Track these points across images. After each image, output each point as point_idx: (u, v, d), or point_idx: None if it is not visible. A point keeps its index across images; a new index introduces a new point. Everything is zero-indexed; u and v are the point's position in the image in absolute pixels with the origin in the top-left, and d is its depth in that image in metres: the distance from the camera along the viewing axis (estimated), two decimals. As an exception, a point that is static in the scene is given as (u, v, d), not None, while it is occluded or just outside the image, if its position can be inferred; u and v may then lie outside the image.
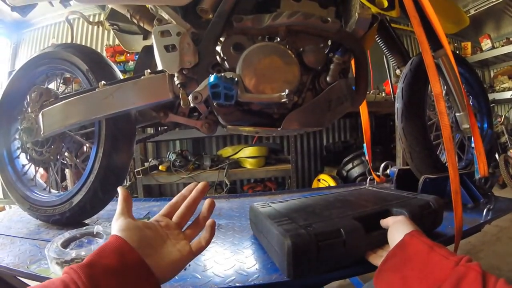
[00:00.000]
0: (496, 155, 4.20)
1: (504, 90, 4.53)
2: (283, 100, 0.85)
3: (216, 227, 0.70)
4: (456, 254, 0.57)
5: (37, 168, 1.39)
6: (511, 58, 4.78)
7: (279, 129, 0.93)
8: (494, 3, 4.18)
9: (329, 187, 1.78)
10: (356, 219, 0.78)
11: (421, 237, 0.64)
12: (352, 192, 1.10)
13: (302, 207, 0.91)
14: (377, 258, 0.71)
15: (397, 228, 0.70)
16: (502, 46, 4.58)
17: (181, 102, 0.90)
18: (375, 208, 0.86)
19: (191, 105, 0.88)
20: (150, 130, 2.79)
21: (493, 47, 4.70)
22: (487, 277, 0.51)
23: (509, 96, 4.43)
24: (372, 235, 0.76)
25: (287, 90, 0.83)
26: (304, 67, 0.95)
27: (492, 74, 5.20)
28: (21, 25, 4.04)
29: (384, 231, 0.75)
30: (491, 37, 4.76)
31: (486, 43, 4.75)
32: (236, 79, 0.85)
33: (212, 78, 0.82)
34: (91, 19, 1.26)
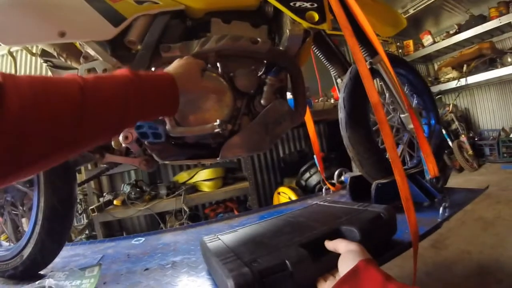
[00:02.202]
0: (450, 142, 4.42)
1: (449, 80, 4.76)
2: (216, 130, 0.82)
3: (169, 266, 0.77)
4: (409, 286, 0.55)
5: None
6: (452, 50, 5.03)
7: (218, 159, 0.90)
8: (431, 1, 4.41)
9: (287, 203, 1.77)
10: (303, 246, 0.76)
11: (376, 267, 0.62)
12: (303, 212, 1.08)
13: (251, 237, 0.89)
14: (327, 287, 0.68)
15: (349, 257, 0.67)
16: (443, 40, 4.82)
17: (112, 143, 0.85)
18: (324, 229, 0.85)
19: (123, 145, 0.84)
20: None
21: (434, 42, 4.93)
22: None
23: (454, 86, 4.67)
24: (321, 261, 0.74)
25: (218, 121, 0.81)
26: (237, 91, 0.92)
27: (436, 67, 5.46)
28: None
29: (334, 254, 0.73)
30: (432, 33, 5.00)
31: (427, 39, 4.98)
32: (160, 117, 0.81)
33: None
34: (34, 50, 1.20)
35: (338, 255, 0.72)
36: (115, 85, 0.59)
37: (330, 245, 0.76)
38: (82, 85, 0.54)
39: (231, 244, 0.84)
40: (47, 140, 0.50)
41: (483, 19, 4.29)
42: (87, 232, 2.82)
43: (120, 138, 0.84)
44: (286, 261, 0.69)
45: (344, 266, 0.66)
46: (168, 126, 0.82)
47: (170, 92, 0.68)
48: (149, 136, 0.79)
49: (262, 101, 0.95)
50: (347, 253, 0.69)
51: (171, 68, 0.76)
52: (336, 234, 0.82)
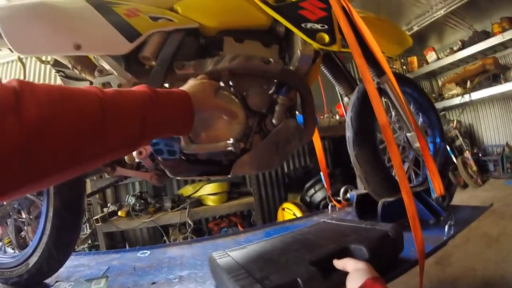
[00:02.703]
0: (454, 158, 4.41)
1: (453, 96, 4.77)
2: (229, 148, 0.83)
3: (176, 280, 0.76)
4: None
5: None
6: (456, 66, 5.04)
7: (229, 175, 0.92)
8: (435, 18, 4.45)
9: (292, 220, 1.77)
10: (313, 263, 0.77)
11: (383, 285, 0.63)
12: (311, 229, 1.09)
13: (260, 254, 0.90)
14: None
15: (357, 275, 0.68)
16: (447, 56, 4.84)
17: (126, 158, 0.87)
18: (333, 247, 0.86)
19: (136, 160, 0.85)
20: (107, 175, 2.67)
21: (438, 58, 4.96)
22: None
23: (458, 102, 4.67)
24: (330, 279, 0.75)
25: (232, 139, 0.82)
26: (249, 110, 0.94)
27: (440, 83, 5.48)
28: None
29: (343, 272, 0.74)
30: (435, 49, 5.04)
31: (431, 55, 5.01)
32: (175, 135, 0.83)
33: None
34: (44, 58, 1.23)
35: (347, 273, 0.73)
36: (134, 100, 0.59)
37: (338, 263, 0.77)
38: (102, 97, 0.54)
39: (241, 261, 0.85)
40: (64, 153, 0.49)
41: (486, 34, 4.31)
42: (89, 241, 2.82)
43: (134, 153, 0.85)
44: (298, 279, 0.70)
45: (352, 284, 0.67)
46: (182, 143, 0.84)
47: (186, 111, 0.69)
48: (164, 152, 0.80)
49: (273, 120, 0.97)
50: (355, 271, 0.71)
51: (186, 87, 0.77)
52: (345, 252, 0.83)
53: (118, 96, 0.57)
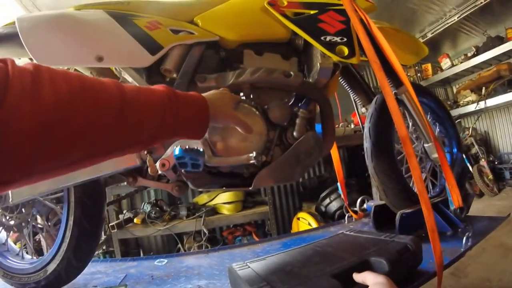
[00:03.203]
0: (470, 167, 4.34)
1: (468, 103, 4.70)
2: (251, 162, 0.84)
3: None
4: None
5: (8, 233, 1.35)
6: (471, 72, 4.97)
7: (250, 188, 0.93)
8: (449, 24, 4.41)
9: (309, 230, 1.76)
10: (334, 277, 0.77)
11: None
12: (330, 241, 1.09)
13: (281, 266, 0.90)
14: None
15: None
16: (461, 62, 4.78)
17: (149, 169, 0.88)
18: (354, 260, 0.85)
19: (159, 172, 0.87)
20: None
21: (452, 65, 4.90)
22: None
23: (473, 109, 4.60)
24: (352, 293, 0.75)
25: (254, 153, 0.83)
26: (270, 123, 0.95)
27: (454, 90, 5.41)
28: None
29: (362, 286, 0.74)
30: (450, 56, 4.99)
31: (445, 62, 4.96)
32: (201, 149, 0.84)
33: (177, 151, 0.81)
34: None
35: (367, 287, 0.73)
36: (153, 99, 0.59)
37: (358, 277, 0.77)
38: (122, 92, 0.53)
39: (261, 273, 0.85)
40: (78, 145, 0.47)
41: (501, 40, 4.24)
42: (104, 247, 2.85)
43: (157, 165, 0.87)
44: (320, 293, 0.70)
45: None
46: (206, 156, 0.85)
47: (201, 116, 0.69)
48: (188, 165, 0.81)
49: (294, 133, 0.98)
50: (375, 285, 0.70)
51: (206, 94, 0.77)
52: (365, 265, 0.83)
53: (138, 93, 0.57)
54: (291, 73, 0.98)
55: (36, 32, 0.84)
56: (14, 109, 0.39)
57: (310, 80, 1.04)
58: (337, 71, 1.07)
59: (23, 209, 1.27)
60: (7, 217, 1.27)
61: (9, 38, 0.92)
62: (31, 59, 1.07)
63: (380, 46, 1.15)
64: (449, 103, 5.05)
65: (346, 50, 1.04)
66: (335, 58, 1.03)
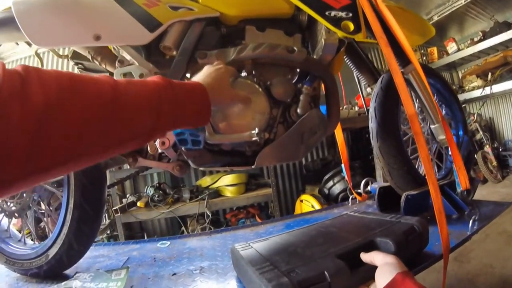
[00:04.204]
0: (474, 154, 4.31)
1: (473, 89, 4.65)
2: (253, 139, 0.82)
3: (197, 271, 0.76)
4: None
5: (9, 219, 1.34)
6: (477, 57, 4.92)
7: (253, 166, 0.90)
8: (455, 8, 4.34)
9: (312, 212, 1.75)
10: (339, 257, 0.75)
11: (413, 279, 0.61)
12: (334, 222, 1.07)
13: (284, 247, 0.88)
14: None
15: (387, 269, 0.66)
16: (467, 47, 4.72)
17: (149, 148, 0.86)
18: (359, 240, 0.84)
19: (159, 150, 0.84)
20: (126, 166, 2.71)
21: (458, 49, 4.84)
22: None
23: (479, 94, 4.55)
24: (357, 272, 0.73)
25: (257, 129, 0.81)
26: (273, 100, 0.92)
27: (460, 75, 5.35)
28: (-11, 60, 3.95)
29: (370, 266, 0.73)
30: (456, 40, 4.91)
31: (451, 47, 4.89)
32: None
33: None
34: (60, 52, 1.22)
35: (374, 267, 0.72)
36: (147, 91, 0.57)
37: (366, 257, 0.75)
38: (114, 87, 0.52)
39: (265, 253, 0.84)
40: (72, 143, 0.46)
41: (508, 26, 4.19)
42: (108, 232, 2.87)
43: (157, 143, 0.84)
44: (325, 273, 0.68)
45: (382, 278, 0.65)
46: (206, 134, 0.83)
47: (202, 103, 0.67)
48: (188, 143, 0.79)
49: (298, 110, 0.95)
50: (384, 265, 0.68)
51: (201, 76, 0.75)
52: (370, 246, 0.81)
53: (131, 86, 0.56)
54: (295, 48, 0.94)
55: (32, 14, 0.82)
56: (4, 110, 0.39)
57: (315, 56, 1.01)
58: (342, 48, 1.03)
59: (24, 194, 1.26)
60: (8, 203, 1.27)
61: (6, 23, 0.91)
62: (28, 43, 1.05)
63: (386, 23, 1.11)
64: (454, 88, 5.00)
65: (351, 26, 1.00)
66: (340, 33, 0.99)
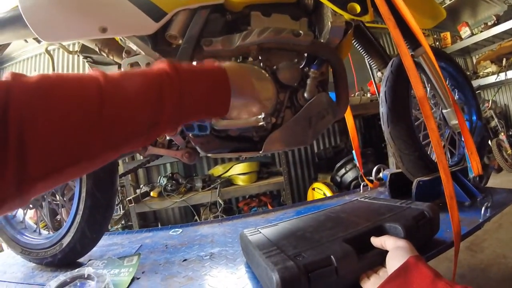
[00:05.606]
0: (489, 141, 4.21)
1: (488, 75, 4.53)
2: (260, 124, 0.81)
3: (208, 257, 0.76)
4: (458, 284, 0.53)
5: (25, 210, 1.38)
6: (492, 42, 4.78)
7: (260, 152, 0.90)
8: (468, -10, 4.23)
9: (324, 199, 1.75)
10: (347, 241, 0.74)
11: (426, 264, 0.60)
12: (344, 207, 1.06)
13: (292, 231, 0.88)
14: (371, 284, 0.67)
15: (399, 253, 0.66)
16: (481, 32, 4.58)
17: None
18: (368, 225, 0.83)
19: (167, 138, 0.85)
20: (139, 156, 2.74)
21: (472, 34, 4.70)
22: None
23: (493, 80, 4.44)
24: (365, 257, 0.73)
25: (263, 114, 0.80)
26: (280, 84, 0.91)
27: (474, 61, 5.21)
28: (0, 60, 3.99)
29: (378, 251, 0.72)
30: (469, 24, 4.78)
31: (465, 31, 4.76)
32: None
33: None
34: (70, 48, 1.24)
35: (382, 252, 0.71)
36: (147, 80, 0.52)
37: (376, 241, 0.74)
38: (102, 84, 0.47)
39: (273, 238, 0.84)
40: (56, 152, 0.42)
41: (523, 9, 4.05)
42: (123, 222, 2.92)
43: (165, 130, 0.84)
44: (331, 256, 0.68)
45: (394, 262, 0.64)
46: (213, 120, 0.83)
47: (219, 89, 0.60)
48: (194, 128, 0.79)
49: (305, 94, 0.94)
50: (396, 249, 0.68)
51: (224, 65, 0.67)
52: (379, 231, 0.81)
53: (124, 80, 0.50)
54: (301, 32, 0.93)
55: (38, 10, 0.83)
56: None
57: (322, 40, 0.99)
58: (350, 31, 1.01)
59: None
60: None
61: (13, 21, 0.93)
62: (37, 40, 1.06)
63: (394, 4, 1.08)
64: (468, 73, 4.88)
65: (358, 8, 0.98)
66: (346, 16, 0.97)
